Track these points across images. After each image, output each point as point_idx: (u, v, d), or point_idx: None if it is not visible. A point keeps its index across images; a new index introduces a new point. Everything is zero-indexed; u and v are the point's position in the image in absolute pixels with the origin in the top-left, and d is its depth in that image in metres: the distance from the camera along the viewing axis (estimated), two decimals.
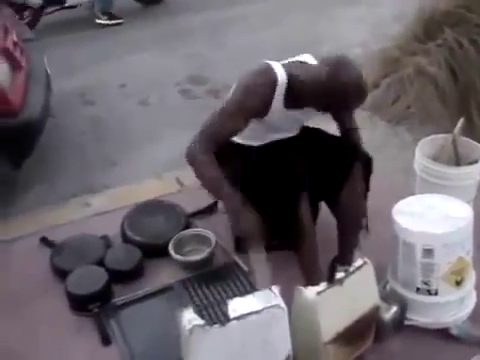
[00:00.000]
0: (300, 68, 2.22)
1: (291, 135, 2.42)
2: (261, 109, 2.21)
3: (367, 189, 2.38)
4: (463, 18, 3.47)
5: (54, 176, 3.39)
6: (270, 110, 2.21)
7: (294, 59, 2.30)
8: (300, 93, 2.19)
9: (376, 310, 2.12)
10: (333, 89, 2.10)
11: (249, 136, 2.35)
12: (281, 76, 2.19)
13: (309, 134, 2.45)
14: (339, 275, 2.03)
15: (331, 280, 2.03)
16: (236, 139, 2.37)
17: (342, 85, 2.09)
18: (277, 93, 2.19)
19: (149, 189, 3.08)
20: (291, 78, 2.19)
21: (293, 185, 2.19)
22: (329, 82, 2.10)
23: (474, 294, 2.29)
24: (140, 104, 4.17)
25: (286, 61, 2.28)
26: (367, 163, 2.35)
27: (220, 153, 2.21)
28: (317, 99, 2.17)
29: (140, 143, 3.69)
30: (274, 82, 2.18)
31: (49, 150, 3.55)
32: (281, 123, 2.30)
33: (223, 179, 2.16)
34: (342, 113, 2.42)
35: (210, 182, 2.21)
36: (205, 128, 2.21)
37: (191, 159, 2.20)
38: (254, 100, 2.17)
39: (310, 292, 1.98)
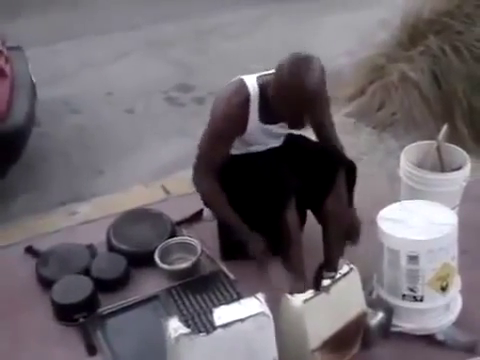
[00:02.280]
0: (272, 77, 2.20)
1: (274, 146, 2.42)
2: (240, 129, 2.25)
3: (351, 196, 2.39)
4: (446, 26, 3.50)
5: (40, 184, 3.37)
6: (247, 126, 2.23)
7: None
8: (272, 102, 2.17)
9: (363, 317, 2.13)
10: (294, 86, 2.05)
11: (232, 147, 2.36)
12: (254, 91, 2.20)
13: (293, 141, 2.46)
14: (325, 282, 2.04)
15: (317, 287, 2.04)
16: None
17: (301, 78, 2.04)
18: (251, 109, 2.21)
19: (135, 197, 3.07)
20: (263, 90, 2.20)
21: (280, 191, 2.20)
22: (289, 79, 2.06)
23: (459, 299, 2.30)
24: (126, 112, 4.16)
25: (264, 72, 2.27)
26: (351, 170, 2.36)
27: None
28: (286, 104, 2.11)
29: (126, 151, 3.68)
30: (247, 99, 2.20)
31: (35, 158, 3.53)
32: (260, 138, 2.32)
33: (227, 206, 2.29)
34: (315, 119, 2.35)
35: (216, 210, 2.41)
36: (199, 157, 2.32)
37: (196, 187, 2.37)
38: (232, 123, 2.22)
39: (297, 300, 1.98)
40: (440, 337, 2.24)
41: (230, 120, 2.20)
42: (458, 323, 2.26)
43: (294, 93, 2.05)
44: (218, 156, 2.27)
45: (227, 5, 5.66)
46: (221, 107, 2.23)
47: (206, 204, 2.46)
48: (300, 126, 2.23)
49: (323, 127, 2.45)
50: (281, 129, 2.33)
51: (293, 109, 2.11)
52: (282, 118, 2.24)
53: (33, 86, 3.46)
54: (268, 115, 2.24)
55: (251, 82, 2.22)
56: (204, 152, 2.30)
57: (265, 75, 2.24)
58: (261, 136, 2.31)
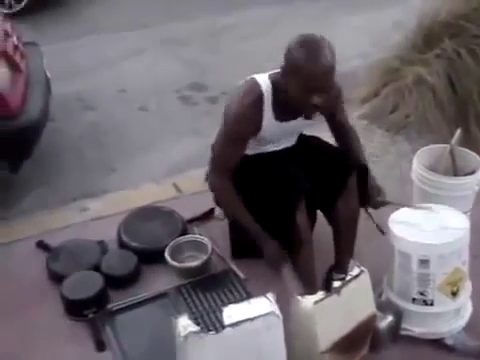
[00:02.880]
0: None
1: (288, 145, 2.42)
2: (255, 129, 2.23)
3: (365, 198, 2.38)
4: (462, 29, 3.47)
5: (52, 180, 3.39)
6: (262, 125, 2.22)
7: None
8: (285, 96, 2.14)
9: (373, 319, 2.12)
10: (307, 64, 2.02)
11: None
12: (266, 89, 2.19)
13: (305, 142, 2.45)
14: (336, 284, 2.03)
15: (328, 289, 2.03)
16: None
17: (313, 55, 2.02)
18: (265, 107, 2.19)
19: (147, 195, 3.08)
20: (276, 87, 2.18)
21: (291, 191, 2.20)
22: (301, 57, 2.03)
23: (469, 304, 2.29)
24: (139, 110, 4.18)
25: (276, 70, 2.23)
26: (363, 172, 2.35)
27: None
28: (299, 87, 2.07)
29: (139, 149, 3.69)
30: (260, 97, 2.18)
31: (48, 154, 3.56)
32: (275, 136, 2.30)
33: (243, 209, 2.27)
34: (331, 109, 2.32)
35: (231, 212, 2.38)
36: (214, 157, 2.31)
37: (211, 188, 2.37)
38: (247, 124, 2.20)
39: (307, 301, 1.97)
40: (449, 342, 2.23)
41: (244, 120, 2.18)
42: (468, 328, 2.25)
43: (308, 71, 2.02)
44: (233, 158, 2.25)
45: (241, 5, 5.67)
46: (234, 108, 2.21)
47: (220, 205, 2.46)
48: (315, 109, 2.16)
49: (339, 114, 2.40)
50: (296, 125, 2.31)
51: (307, 91, 2.06)
52: (297, 112, 2.22)
53: (48, 82, 3.48)
54: (283, 112, 2.22)
55: (263, 80, 2.21)
56: (219, 154, 2.29)
57: (277, 72, 2.22)
58: (276, 134, 2.29)
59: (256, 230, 2.28)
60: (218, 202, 2.42)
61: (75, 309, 2.36)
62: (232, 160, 2.25)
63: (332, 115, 2.40)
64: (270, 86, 2.19)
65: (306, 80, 2.04)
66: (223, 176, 2.27)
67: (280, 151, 2.39)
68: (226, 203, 2.37)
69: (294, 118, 2.26)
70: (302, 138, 2.46)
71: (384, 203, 2.37)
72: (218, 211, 2.64)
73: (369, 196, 2.37)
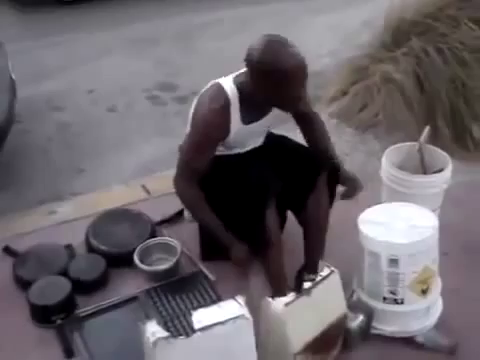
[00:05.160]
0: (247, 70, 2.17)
1: (255, 146, 2.40)
2: (224, 134, 2.22)
3: (333, 196, 2.39)
4: (429, 27, 3.50)
5: (19, 183, 3.33)
6: (230, 130, 2.21)
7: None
8: (251, 96, 2.16)
9: (344, 319, 2.13)
10: (266, 62, 2.04)
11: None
12: (232, 93, 2.18)
13: (274, 141, 2.44)
14: (306, 285, 2.02)
15: (298, 290, 2.03)
16: None
17: (279, 53, 2.04)
18: (232, 111, 2.19)
19: (115, 197, 3.04)
20: (241, 90, 2.18)
21: (260, 191, 2.18)
22: (262, 55, 2.04)
23: (440, 302, 2.30)
24: (108, 110, 4.12)
25: (239, 72, 2.24)
26: (334, 171, 2.35)
27: None
28: (260, 86, 2.10)
29: (108, 150, 3.65)
30: (227, 102, 2.17)
31: (15, 156, 3.49)
32: (242, 139, 2.29)
33: (210, 212, 2.27)
34: (296, 104, 2.27)
35: (198, 216, 2.36)
36: (181, 162, 2.29)
37: (178, 192, 2.32)
38: (215, 130, 2.19)
39: (278, 303, 1.96)
40: (420, 340, 2.24)
41: (212, 127, 2.17)
42: (438, 326, 2.26)
43: (290, 67, 2.02)
44: (201, 163, 2.24)
45: (212, 5, 5.64)
46: (202, 114, 2.20)
47: (187, 208, 2.44)
48: (297, 101, 2.18)
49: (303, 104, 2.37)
50: (263, 124, 2.31)
51: (289, 86, 2.07)
52: (264, 111, 2.24)
53: (12, 83, 3.41)
54: (250, 114, 2.23)
55: (228, 84, 2.20)
56: (187, 159, 2.26)
57: (241, 74, 2.22)
58: (243, 137, 2.29)
59: (222, 232, 2.27)
60: (184, 205, 2.40)
61: (42, 315, 2.32)
62: (200, 165, 2.23)
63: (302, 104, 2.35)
64: (236, 91, 2.18)
65: (289, 77, 2.04)
66: (190, 180, 2.25)
67: (249, 151, 2.38)
68: (192, 206, 2.35)
69: (261, 118, 2.27)
70: (271, 138, 2.45)
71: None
72: (187, 213, 2.62)
73: (350, 190, 2.39)
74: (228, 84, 2.20)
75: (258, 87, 2.11)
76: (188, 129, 2.29)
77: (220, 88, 2.20)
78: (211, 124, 2.17)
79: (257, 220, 2.17)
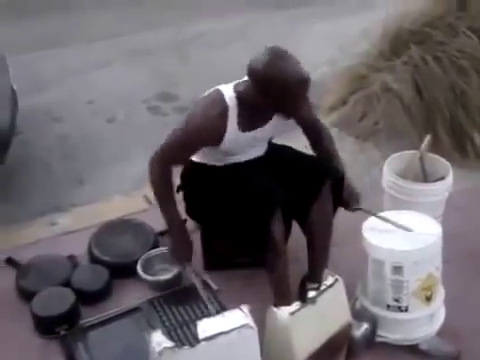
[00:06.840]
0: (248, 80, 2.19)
1: (258, 154, 2.41)
2: (215, 141, 2.23)
3: (339, 205, 2.39)
4: (428, 36, 3.52)
5: (20, 194, 3.32)
6: (225, 137, 2.21)
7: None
8: (250, 104, 2.17)
9: (348, 328, 2.12)
10: (272, 76, 2.05)
11: (211, 158, 2.36)
12: (231, 100, 2.19)
13: (277, 151, 2.45)
14: (311, 294, 2.02)
15: (303, 299, 2.02)
16: (199, 159, 2.38)
17: (282, 65, 2.05)
18: (230, 119, 2.19)
19: (117, 207, 3.05)
20: (241, 98, 2.19)
21: (266, 202, 2.18)
22: (267, 69, 2.06)
23: (443, 309, 2.30)
24: (108, 121, 4.13)
25: (240, 80, 2.26)
26: (338, 180, 2.35)
27: (185, 173, 2.39)
28: (264, 97, 2.11)
29: (108, 161, 3.64)
30: (225, 110, 2.18)
31: (15, 168, 3.49)
32: (242, 147, 2.30)
33: (173, 201, 2.31)
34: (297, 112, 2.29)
35: (161, 202, 2.33)
36: (163, 148, 2.28)
37: (150, 172, 2.31)
38: (207, 136, 2.20)
39: (283, 313, 1.96)
40: (424, 347, 2.24)
41: (205, 132, 2.19)
42: (441, 333, 2.26)
43: (293, 79, 2.04)
44: (182, 159, 2.32)
45: (210, 14, 5.66)
46: (198, 118, 2.20)
47: (154, 192, 2.36)
48: (297, 111, 2.22)
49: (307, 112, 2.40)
50: (263, 134, 2.32)
51: (293, 98, 2.10)
52: (264, 120, 2.26)
53: (14, 94, 3.42)
54: (248, 122, 2.23)
55: (228, 92, 2.21)
56: (170, 150, 2.27)
57: (242, 82, 2.23)
58: (242, 145, 2.29)
59: (173, 222, 2.33)
60: (153, 192, 2.35)
61: (46, 326, 2.32)
62: (180, 160, 2.32)
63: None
64: (235, 98, 2.19)
65: (293, 90, 2.06)
66: (165, 167, 2.27)
67: (252, 161, 2.38)
68: (159, 189, 2.31)
69: (259, 126, 2.28)
70: (274, 147, 2.46)
71: (359, 209, 2.37)
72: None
73: (347, 202, 2.38)
74: (228, 91, 2.21)
75: (260, 98, 2.12)
76: (181, 123, 2.28)
77: (220, 94, 2.21)
78: (205, 129, 2.18)
79: (262, 229, 2.17)
